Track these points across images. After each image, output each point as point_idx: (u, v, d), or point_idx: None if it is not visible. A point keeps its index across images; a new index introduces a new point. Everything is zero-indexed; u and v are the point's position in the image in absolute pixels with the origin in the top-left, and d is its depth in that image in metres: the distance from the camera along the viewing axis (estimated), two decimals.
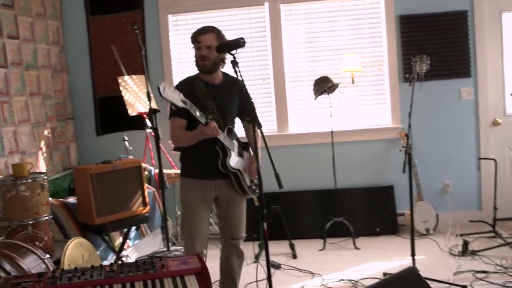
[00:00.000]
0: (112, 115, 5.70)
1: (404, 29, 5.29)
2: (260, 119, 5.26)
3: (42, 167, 4.89)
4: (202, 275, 2.16)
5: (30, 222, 3.64)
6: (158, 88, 2.84)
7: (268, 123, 5.56)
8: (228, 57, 3.14)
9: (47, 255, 3.42)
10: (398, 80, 5.35)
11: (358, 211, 5.37)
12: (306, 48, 5.50)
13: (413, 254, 3.87)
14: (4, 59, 4.46)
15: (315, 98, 5.05)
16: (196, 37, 3.30)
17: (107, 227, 4.09)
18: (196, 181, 3.41)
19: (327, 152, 5.15)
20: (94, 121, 5.74)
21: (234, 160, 3.36)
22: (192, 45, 3.36)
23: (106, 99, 5.71)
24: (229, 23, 5.48)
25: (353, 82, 5.16)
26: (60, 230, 4.29)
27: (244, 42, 3.04)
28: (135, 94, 5.21)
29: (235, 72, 3.02)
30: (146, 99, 4.64)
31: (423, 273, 3.86)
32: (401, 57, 5.33)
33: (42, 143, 4.96)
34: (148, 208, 4.47)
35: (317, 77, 5.09)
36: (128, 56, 5.59)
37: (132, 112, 5.15)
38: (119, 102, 5.14)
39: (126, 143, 5.15)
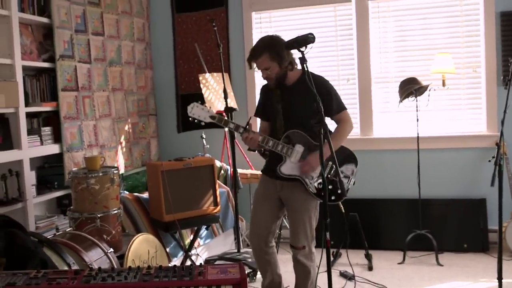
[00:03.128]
0: None
1: (505, 27, 4.78)
2: None
3: (120, 161, 4.98)
4: (240, 286, 2.00)
5: (99, 215, 3.70)
6: (187, 108, 3.21)
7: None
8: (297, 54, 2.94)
9: (111, 249, 3.44)
10: (496, 83, 4.87)
11: (444, 224, 4.95)
12: (394, 47, 5.17)
13: (499, 277, 3.45)
14: (88, 55, 4.57)
15: (401, 101, 4.71)
16: (253, 64, 3.31)
17: (175, 224, 4.07)
18: (264, 178, 3.52)
19: (413, 159, 4.79)
20: (175, 118, 5.77)
21: (289, 167, 3.29)
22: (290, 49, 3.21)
23: (188, 96, 5.71)
24: (313, 20, 5.28)
25: (444, 85, 4.75)
26: (133, 224, 4.33)
27: (314, 38, 2.84)
28: (215, 92, 5.17)
29: (303, 69, 2.83)
30: (223, 96, 4.57)
31: None
32: (501, 58, 4.83)
33: (122, 138, 5.05)
34: (219, 208, 4.40)
35: (404, 78, 4.74)
36: (211, 53, 5.56)
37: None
38: (201, 100, 5.09)
39: (204, 141, 5.13)
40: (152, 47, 5.71)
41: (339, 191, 3.34)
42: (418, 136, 4.70)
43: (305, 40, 2.85)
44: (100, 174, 3.73)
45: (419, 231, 4.70)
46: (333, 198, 3.37)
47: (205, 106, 3.26)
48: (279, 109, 3.32)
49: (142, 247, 3.71)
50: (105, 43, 4.84)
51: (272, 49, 3.24)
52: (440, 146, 5.02)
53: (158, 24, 5.71)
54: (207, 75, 5.19)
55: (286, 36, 3.12)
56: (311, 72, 3.36)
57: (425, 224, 4.76)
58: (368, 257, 4.60)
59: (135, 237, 3.70)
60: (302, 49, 2.87)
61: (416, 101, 4.67)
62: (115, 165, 4.81)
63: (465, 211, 4.94)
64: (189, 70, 5.69)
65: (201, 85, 5.15)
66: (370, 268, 4.51)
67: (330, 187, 3.32)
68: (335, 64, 5.29)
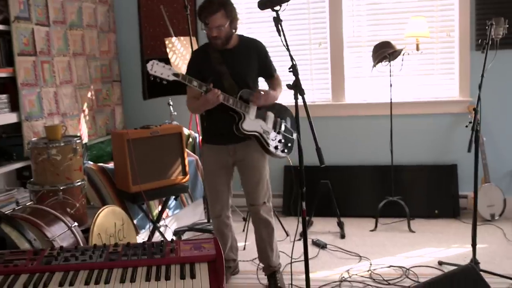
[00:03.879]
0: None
1: None
2: (315, 87, 5.09)
3: (84, 130, 4.75)
4: (216, 263, 1.87)
5: (61, 188, 3.51)
6: (146, 66, 2.98)
7: (322, 92, 5.16)
8: (268, 14, 2.76)
9: (75, 223, 3.26)
10: (470, 48, 4.79)
11: (416, 190, 4.93)
12: (367, 10, 5.01)
13: (474, 244, 3.43)
14: (46, 17, 4.28)
15: (374, 66, 4.60)
16: (204, 19, 3.18)
17: (142, 195, 3.91)
18: (212, 147, 3.46)
19: (385, 125, 4.71)
20: (141, 84, 5.54)
21: (249, 123, 3.31)
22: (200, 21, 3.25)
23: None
24: None
25: (418, 49, 4.65)
26: (98, 196, 4.16)
27: None
28: (181, 57, 4.95)
29: (278, 31, 2.67)
30: None
31: (484, 265, 3.48)
32: (474, 21, 4.75)
33: (85, 106, 4.81)
34: (188, 177, 4.25)
35: (378, 42, 4.62)
36: (178, 16, 5.32)
37: None
38: (168, 65, 4.88)
39: (171, 108, 4.94)
40: (115, 10, 5.42)
41: (289, 144, 3.51)
42: (391, 102, 4.61)
43: None
44: (62, 144, 3.52)
45: (391, 198, 4.66)
46: (286, 151, 3.51)
47: (164, 63, 3.07)
48: (225, 71, 3.27)
49: (108, 220, 3.54)
50: (65, 4, 4.54)
51: (228, 7, 3.20)
52: (413, 111, 4.96)
53: None
54: (174, 39, 4.96)
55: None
56: (244, 36, 3.45)
57: (397, 191, 4.71)
58: (341, 225, 4.55)
59: (100, 210, 3.52)
60: (277, 8, 2.71)
61: (390, 66, 4.56)
62: (78, 134, 4.59)
63: (437, 177, 4.92)
64: (155, 33, 5.43)
65: (167, 50, 4.92)
66: (343, 236, 4.46)
67: (282, 140, 3.47)
68: (306, 28, 5.11)
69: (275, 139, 3.42)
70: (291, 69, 2.63)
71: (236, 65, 3.30)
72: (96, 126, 4.99)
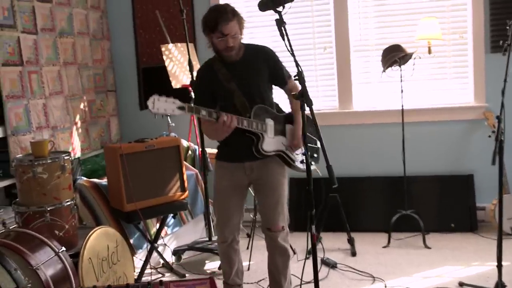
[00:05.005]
0: (157, 87, 5.19)
1: None
2: (320, 94, 4.81)
3: (76, 144, 4.48)
4: None
5: (49, 208, 3.23)
6: (147, 105, 2.64)
7: (329, 99, 4.88)
8: (270, 18, 2.50)
9: (63, 248, 2.98)
10: (484, 50, 4.51)
11: (430, 203, 4.63)
12: (375, 11, 4.73)
13: (499, 264, 3.13)
14: (33, 24, 4.02)
15: (384, 71, 4.32)
16: (221, 29, 2.86)
17: (138, 214, 3.63)
18: (226, 165, 3.13)
19: (397, 133, 4.42)
20: (137, 94, 5.27)
21: (270, 143, 3.01)
22: (210, 32, 2.92)
23: (151, 70, 5.21)
24: None
25: (430, 52, 4.37)
26: (91, 214, 3.90)
27: None
28: (179, 65, 4.68)
29: (281, 34, 2.40)
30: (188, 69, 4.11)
31: (510, 284, 3.18)
32: (489, 22, 4.47)
33: (78, 118, 4.54)
34: (186, 193, 3.98)
35: (387, 46, 4.34)
36: (174, 22, 5.05)
37: (176, 84, 4.63)
38: (165, 73, 4.62)
39: (169, 119, 4.67)
40: (108, 16, 5.16)
41: (315, 155, 3.29)
42: (402, 109, 4.33)
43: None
44: (48, 161, 3.24)
45: (405, 212, 4.36)
46: (313, 163, 3.23)
47: (166, 97, 2.72)
48: (234, 88, 2.96)
49: (100, 243, 3.27)
50: (54, 10, 4.28)
51: (239, 14, 2.94)
52: (425, 119, 4.67)
53: None
54: (170, 45, 4.70)
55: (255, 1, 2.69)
56: (250, 44, 3.11)
57: (410, 203, 4.43)
58: (351, 241, 4.25)
59: (91, 232, 3.25)
60: (279, 9, 2.45)
61: (401, 70, 4.28)
62: (69, 149, 4.34)
63: (452, 188, 4.63)
64: (151, 40, 5.17)
65: (164, 57, 4.66)
66: (354, 254, 4.17)
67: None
68: (310, 32, 4.84)
69: (300, 152, 3.15)
70: (296, 77, 2.36)
71: (245, 78, 2.99)
72: (90, 139, 4.72)
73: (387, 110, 4.69)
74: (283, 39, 2.43)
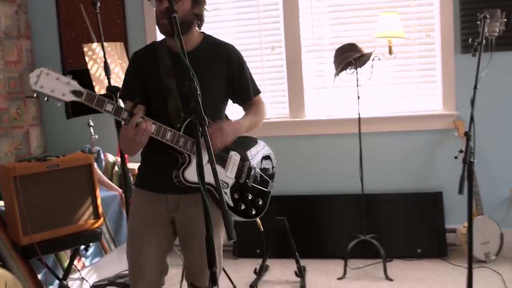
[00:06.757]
0: None
1: None
2: (269, 100, 4.20)
3: None
4: None
5: None
6: (29, 77, 1.89)
7: (278, 106, 4.29)
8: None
9: None
10: (454, 50, 3.97)
11: (394, 225, 4.07)
12: (329, 6, 4.17)
13: None
14: None
15: (337, 74, 3.74)
16: None
17: (35, 249, 2.98)
18: (144, 194, 2.34)
19: (353, 145, 3.84)
20: None
21: (194, 170, 2.12)
22: None
23: (78, 72, 4.51)
24: None
25: (390, 53, 3.80)
26: None
27: None
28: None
29: (171, 27, 1.81)
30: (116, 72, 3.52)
31: None
32: (459, 18, 3.92)
33: None
34: (101, 220, 3.34)
35: (341, 46, 3.76)
36: (106, 18, 4.39)
37: (100, 89, 4.00)
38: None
39: (91, 130, 4.04)
40: (29, 11, 4.50)
41: (259, 203, 2.36)
42: (359, 117, 3.75)
43: None
44: None
45: (363, 237, 3.78)
46: (253, 212, 2.36)
47: (60, 74, 1.96)
48: (173, 86, 2.20)
49: None
50: None
51: None
52: (386, 129, 4.11)
53: None
54: (95, 45, 4.06)
55: None
56: (213, 37, 2.40)
57: (370, 226, 3.85)
58: (301, 272, 3.65)
59: None
60: None
61: (357, 73, 3.70)
62: None
63: (418, 208, 4.07)
64: (77, 39, 4.52)
65: (87, 58, 4.02)
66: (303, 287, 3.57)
67: (249, 196, 2.33)
68: (257, 29, 4.25)
69: (240, 194, 2.33)
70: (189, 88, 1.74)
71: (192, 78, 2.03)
72: None
73: (342, 118, 4.11)
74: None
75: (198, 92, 1.76)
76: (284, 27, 4.17)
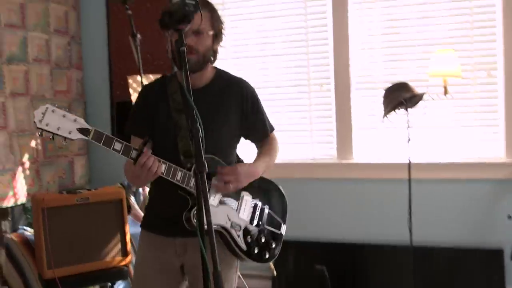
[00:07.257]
0: None
1: None
2: (314, 140, 4.00)
3: (20, 188, 3.83)
4: None
5: None
6: (34, 114, 1.83)
7: (325, 146, 4.06)
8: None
9: None
10: None
11: (446, 282, 3.70)
12: (382, 42, 3.91)
13: None
14: None
15: (385, 115, 3.48)
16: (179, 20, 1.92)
17: (57, 284, 2.92)
18: (151, 238, 2.26)
19: (402, 192, 3.54)
20: (110, 132, 4.60)
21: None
22: (165, 30, 2.01)
23: (126, 104, 4.55)
24: (275, 7, 4.05)
25: (445, 93, 3.50)
26: (20, 277, 3.25)
27: (196, 7, 1.68)
28: None
29: (179, 60, 1.73)
30: None
31: None
32: None
33: (26, 157, 3.90)
34: (129, 258, 3.26)
35: (390, 85, 3.51)
36: (153, 49, 4.39)
37: None
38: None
39: None
40: (82, 42, 4.57)
41: (272, 245, 2.25)
42: (409, 163, 3.46)
43: (183, 12, 1.69)
44: None
45: None
46: (267, 256, 2.25)
47: (66, 111, 1.89)
48: (183, 123, 2.09)
49: None
50: (3, 34, 3.72)
51: (215, 11, 2.18)
52: (440, 176, 3.76)
53: (87, 14, 4.57)
54: (139, 77, 4.02)
55: (245, 27, 2.04)
56: (226, 72, 2.31)
57: (417, 281, 3.50)
58: None
59: None
60: (182, 26, 1.72)
61: (407, 114, 3.43)
62: (8, 194, 3.70)
63: (475, 265, 3.67)
64: (125, 71, 4.52)
65: (131, 90, 4.03)
66: None
67: (262, 239, 2.22)
68: (305, 65, 4.05)
69: (252, 237, 2.22)
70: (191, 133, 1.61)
71: (204, 116, 1.85)
72: (41, 182, 4.06)
73: (390, 163, 3.82)
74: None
75: (201, 135, 1.63)
76: (333, 62, 3.97)
